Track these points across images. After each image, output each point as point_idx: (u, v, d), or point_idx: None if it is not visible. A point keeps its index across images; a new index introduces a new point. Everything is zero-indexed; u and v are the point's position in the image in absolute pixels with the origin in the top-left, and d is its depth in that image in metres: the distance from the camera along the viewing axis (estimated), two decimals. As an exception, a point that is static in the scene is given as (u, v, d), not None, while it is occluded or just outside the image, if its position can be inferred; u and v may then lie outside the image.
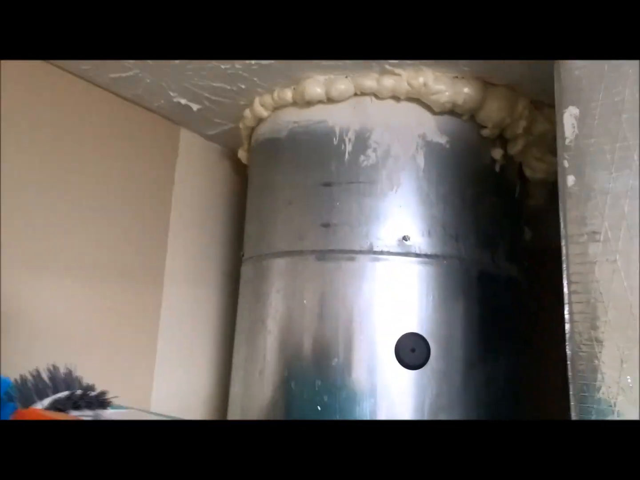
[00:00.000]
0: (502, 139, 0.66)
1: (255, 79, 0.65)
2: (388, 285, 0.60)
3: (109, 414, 0.29)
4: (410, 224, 0.61)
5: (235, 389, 0.68)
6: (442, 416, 0.57)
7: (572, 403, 0.41)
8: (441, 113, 0.62)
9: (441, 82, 0.60)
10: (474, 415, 0.58)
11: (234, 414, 0.67)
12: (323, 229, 0.62)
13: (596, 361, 0.39)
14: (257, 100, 0.69)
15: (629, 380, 0.38)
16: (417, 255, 0.60)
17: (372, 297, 0.60)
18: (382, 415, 0.56)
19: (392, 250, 0.60)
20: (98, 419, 0.29)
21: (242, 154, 0.81)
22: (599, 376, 0.39)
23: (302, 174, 0.65)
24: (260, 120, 0.71)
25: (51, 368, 0.32)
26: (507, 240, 0.66)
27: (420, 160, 0.62)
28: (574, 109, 0.42)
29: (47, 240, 0.65)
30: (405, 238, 0.60)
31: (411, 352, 0.57)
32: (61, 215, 0.67)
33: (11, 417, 0.25)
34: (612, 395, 0.38)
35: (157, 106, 0.75)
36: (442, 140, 0.63)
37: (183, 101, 0.73)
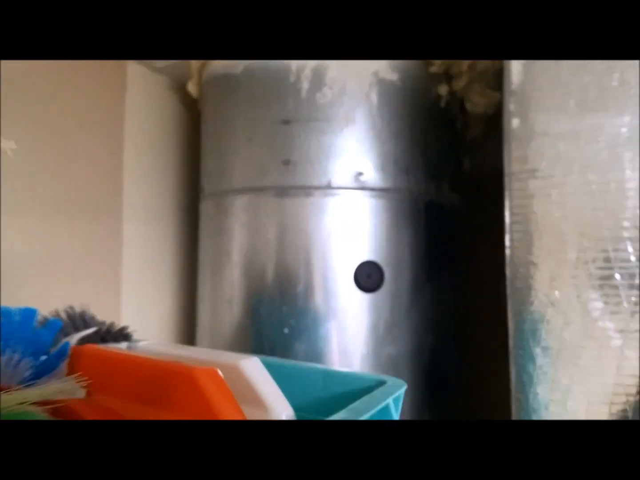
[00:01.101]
0: (447, 76, 0.70)
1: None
2: (344, 219, 0.64)
3: (141, 346, 0.32)
4: (365, 160, 0.65)
5: (203, 316, 0.72)
6: (395, 332, 0.64)
7: (510, 315, 0.48)
8: (393, 51, 0.65)
9: (393, 21, 0.62)
10: (422, 330, 0.66)
11: (202, 339, 0.72)
12: (284, 166, 0.65)
13: (531, 280, 0.46)
14: (210, 35, 0.69)
15: (557, 295, 0.45)
16: (372, 189, 0.65)
17: (330, 230, 0.64)
18: (343, 333, 0.63)
19: (348, 185, 0.64)
20: (132, 349, 0.32)
21: (192, 88, 0.81)
22: (533, 292, 0.46)
23: (260, 111, 0.67)
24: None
25: (68, 309, 0.34)
26: (450, 171, 0.72)
27: (374, 98, 0.65)
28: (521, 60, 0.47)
29: (6, 182, 0.64)
30: (359, 174, 0.64)
31: (367, 277, 0.63)
32: (20, 156, 0.66)
33: (69, 356, 0.28)
34: (543, 307, 0.46)
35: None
36: (394, 77, 0.66)
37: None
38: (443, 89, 0.69)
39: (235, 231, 0.67)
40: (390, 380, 0.30)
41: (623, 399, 0.41)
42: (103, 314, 0.74)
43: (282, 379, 0.28)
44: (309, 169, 0.64)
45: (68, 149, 0.71)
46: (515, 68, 0.46)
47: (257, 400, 0.26)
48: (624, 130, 0.42)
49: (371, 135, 0.65)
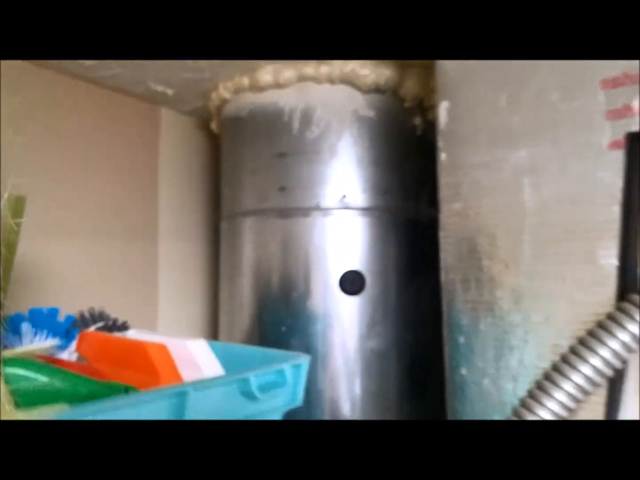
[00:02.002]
0: (421, 108, 0.81)
1: (217, 70, 0.79)
2: (333, 234, 0.77)
3: (130, 333, 0.46)
4: (349, 185, 0.77)
5: (223, 319, 0.86)
6: (377, 329, 0.75)
7: (443, 309, 0.58)
8: (369, 92, 0.77)
9: (366, 67, 0.74)
10: (402, 328, 0.77)
11: (222, 336, 0.86)
12: (280, 192, 0.78)
13: (454, 283, 0.57)
14: (220, 86, 0.83)
15: (468, 295, 0.55)
16: (354, 209, 0.77)
17: (322, 244, 0.77)
18: (331, 330, 0.75)
19: (334, 206, 0.77)
20: (125, 336, 0.46)
21: (214, 126, 0.96)
22: (455, 292, 0.57)
23: (261, 147, 0.80)
24: (224, 101, 0.86)
25: (90, 309, 0.48)
26: (428, 189, 0.82)
27: (354, 132, 0.77)
28: (446, 102, 0.58)
29: (60, 211, 0.81)
30: (344, 196, 0.76)
31: (351, 283, 0.75)
32: (72, 188, 0.82)
33: (78, 338, 0.41)
34: (461, 305, 0.56)
35: (139, 92, 0.89)
36: (371, 114, 0.77)
37: (160, 88, 0.87)
38: (417, 120, 0.80)
39: (244, 247, 0.81)
40: (301, 356, 0.42)
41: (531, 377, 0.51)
42: (143, 317, 0.90)
43: (225, 355, 0.41)
44: (300, 194, 0.77)
45: (112, 181, 0.88)
46: (442, 112, 0.57)
47: (195, 366, 0.38)
48: (523, 161, 0.52)
49: (353, 164, 0.77)
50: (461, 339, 0.55)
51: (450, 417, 0.56)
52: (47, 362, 0.33)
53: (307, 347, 0.75)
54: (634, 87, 0.48)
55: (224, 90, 0.83)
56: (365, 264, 0.76)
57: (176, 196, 0.98)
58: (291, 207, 0.77)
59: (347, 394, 0.74)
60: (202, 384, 0.32)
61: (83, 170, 0.84)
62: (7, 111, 0.74)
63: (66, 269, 0.81)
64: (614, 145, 0.49)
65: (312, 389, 0.74)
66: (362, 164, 0.77)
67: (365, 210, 0.77)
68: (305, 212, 0.77)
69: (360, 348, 0.75)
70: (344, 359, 0.75)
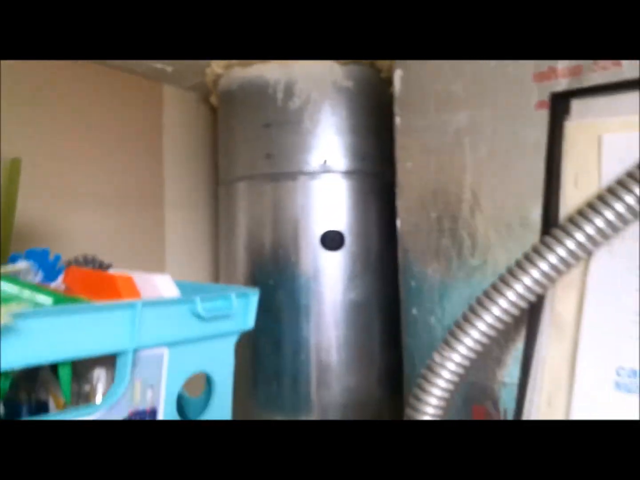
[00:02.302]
0: (399, 77, 0.86)
1: (209, 47, 0.86)
2: (318, 197, 0.84)
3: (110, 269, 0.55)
4: (330, 151, 0.83)
5: (222, 273, 0.95)
6: (356, 281, 0.83)
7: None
8: (347, 64, 0.83)
9: (342, 41, 0.80)
10: (380, 282, 0.84)
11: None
12: (267, 159, 0.85)
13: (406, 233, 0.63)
14: (213, 62, 0.90)
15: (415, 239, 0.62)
16: (336, 172, 0.83)
17: (308, 206, 0.84)
18: (314, 283, 0.82)
19: (317, 170, 0.84)
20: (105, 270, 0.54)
21: (213, 99, 1.03)
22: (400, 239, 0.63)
23: (250, 118, 0.87)
24: (218, 76, 0.93)
25: (84, 254, 0.57)
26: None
27: (334, 101, 0.83)
28: (400, 71, 0.63)
29: (73, 182, 0.90)
30: (325, 161, 0.83)
31: (331, 241, 0.82)
32: (85, 163, 0.91)
33: (64, 273, 0.50)
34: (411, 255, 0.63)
35: (141, 71, 0.97)
36: (349, 84, 0.84)
37: (159, 65, 0.94)
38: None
39: (238, 209, 0.89)
40: (250, 289, 0.49)
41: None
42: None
43: (189, 290, 0.49)
44: (285, 160, 0.84)
45: (122, 156, 0.96)
46: (397, 81, 0.64)
47: (157, 295, 0.46)
48: (463, 123, 0.58)
49: (333, 132, 0.83)
50: (413, 283, 0.62)
51: (404, 353, 0.64)
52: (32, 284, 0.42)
53: (293, 299, 0.83)
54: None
55: (216, 66, 0.90)
56: (347, 223, 0.83)
57: (179, 167, 1.06)
58: (278, 172, 0.85)
59: (330, 341, 0.82)
60: (151, 301, 0.41)
61: (95, 145, 0.93)
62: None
63: (80, 235, 0.91)
64: (540, 105, 0.54)
65: (297, 336, 0.82)
66: (341, 132, 0.83)
67: (346, 173, 0.84)
68: (291, 176, 0.84)
69: (342, 300, 0.82)
70: (326, 309, 0.82)
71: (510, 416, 0.53)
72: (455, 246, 0.59)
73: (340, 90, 0.83)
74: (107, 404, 0.39)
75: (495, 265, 0.57)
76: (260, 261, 0.86)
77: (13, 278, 0.40)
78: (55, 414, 0.41)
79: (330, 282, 0.83)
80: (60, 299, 0.40)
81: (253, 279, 0.87)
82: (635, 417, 0.44)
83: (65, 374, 0.41)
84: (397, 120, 0.64)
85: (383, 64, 0.83)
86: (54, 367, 0.43)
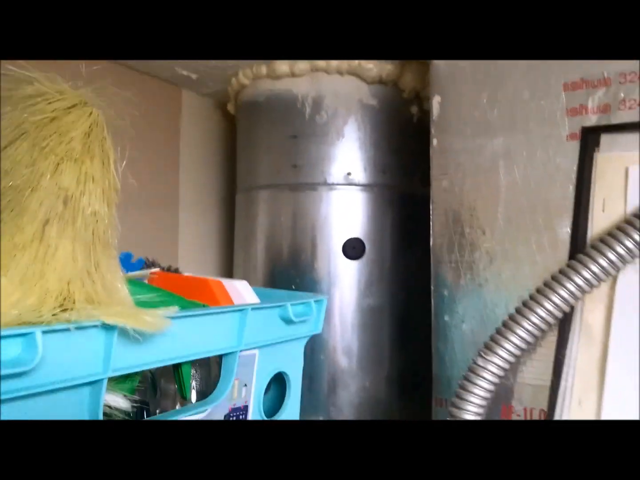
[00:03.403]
0: (417, 98, 0.92)
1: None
2: (338, 207, 0.88)
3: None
4: (352, 164, 0.88)
5: (238, 278, 0.98)
6: (373, 288, 0.88)
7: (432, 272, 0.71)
8: (372, 83, 0.88)
9: (370, 62, 0.85)
10: (396, 288, 0.89)
11: (237, 297, 0.98)
12: (292, 169, 0.89)
13: (442, 250, 0.69)
14: (240, 73, 0.94)
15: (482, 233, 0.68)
16: (357, 185, 0.88)
17: (328, 215, 0.88)
18: (334, 289, 0.87)
19: (340, 182, 0.88)
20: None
21: (230, 107, 1.06)
22: (443, 257, 0.69)
23: (276, 129, 0.91)
24: (243, 86, 0.96)
25: (145, 257, 0.60)
26: (421, 170, 0.94)
27: (359, 118, 0.88)
28: (438, 96, 0.69)
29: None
30: (348, 174, 0.88)
31: (353, 249, 0.87)
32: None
33: (148, 278, 0.53)
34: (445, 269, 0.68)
35: (164, 76, 0.99)
36: (374, 102, 0.89)
37: (185, 72, 0.97)
38: (414, 109, 0.91)
39: (259, 216, 0.93)
40: (322, 295, 0.54)
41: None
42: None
43: (261, 294, 0.52)
44: (310, 171, 0.88)
45: (139, 157, 0.98)
46: (435, 105, 0.69)
47: (242, 299, 0.50)
48: (499, 148, 0.64)
49: (357, 146, 0.88)
50: (445, 292, 0.68)
51: (434, 357, 0.69)
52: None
53: (314, 303, 0.87)
54: (588, 90, 0.60)
55: (243, 77, 0.94)
56: (364, 233, 0.88)
57: (195, 171, 1.09)
58: (301, 182, 0.89)
59: (346, 343, 0.87)
60: (257, 306, 0.44)
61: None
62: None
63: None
64: (571, 137, 0.61)
65: (317, 338, 0.86)
66: (364, 146, 0.88)
67: (366, 186, 0.89)
68: (314, 186, 0.89)
69: (358, 304, 0.87)
70: (344, 313, 0.87)
71: (535, 416, 0.59)
72: (487, 259, 0.65)
73: (365, 107, 0.88)
74: (215, 400, 0.42)
75: (524, 278, 0.63)
76: (281, 267, 0.90)
77: (140, 282, 0.43)
78: (175, 412, 0.43)
79: (349, 288, 0.87)
80: (185, 303, 0.43)
81: (273, 284, 0.90)
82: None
83: (186, 372, 0.44)
84: (434, 142, 0.69)
85: (405, 85, 0.88)
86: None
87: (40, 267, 0.33)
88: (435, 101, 0.69)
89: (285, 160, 0.90)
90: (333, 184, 0.88)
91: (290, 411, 0.51)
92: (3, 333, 0.28)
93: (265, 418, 0.50)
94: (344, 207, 0.88)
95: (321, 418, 0.85)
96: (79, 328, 0.32)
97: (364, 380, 0.87)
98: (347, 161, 0.88)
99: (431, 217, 0.70)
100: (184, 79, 0.99)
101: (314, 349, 0.86)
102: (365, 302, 0.87)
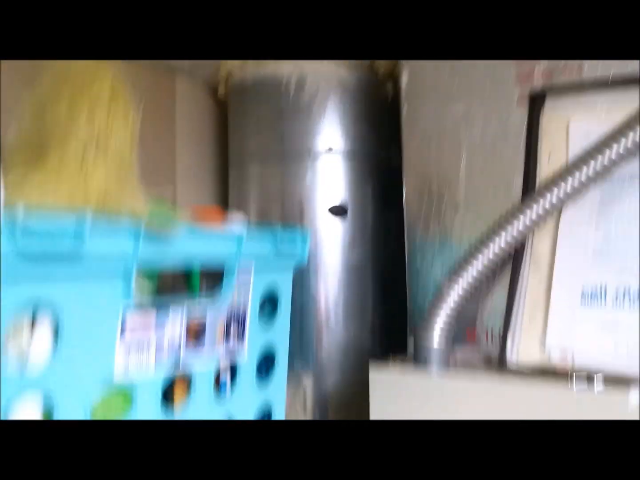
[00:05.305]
0: (392, 77, 1.02)
1: (228, 44, 0.99)
2: (322, 174, 0.98)
3: None
4: (334, 137, 0.98)
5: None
6: (355, 245, 0.97)
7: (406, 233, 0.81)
8: (350, 64, 0.98)
9: (348, 44, 0.95)
10: (375, 246, 0.99)
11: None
12: (280, 142, 0.99)
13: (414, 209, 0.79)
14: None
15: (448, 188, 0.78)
16: (338, 154, 0.98)
17: (314, 183, 0.98)
18: (319, 246, 0.96)
19: (322, 152, 0.98)
20: None
21: (221, 91, 1.15)
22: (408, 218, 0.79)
23: (263, 108, 1.00)
24: (232, 72, 1.05)
25: None
26: (396, 140, 1.04)
27: (338, 96, 0.98)
28: (407, 68, 0.79)
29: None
30: (330, 149, 0.98)
31: (337, 210, 0.97)
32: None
33: None
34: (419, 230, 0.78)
35: (157, 63, 1.08)
36: (352, 82, 0.99)
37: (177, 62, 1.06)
38: (389, 87, 1.02)
39: (250, 188, 1.02)
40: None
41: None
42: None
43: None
44: (296, 145, 0.98)
45: (140, 140, 1.07)
46: (404, 77, 0.79)
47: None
48: (459, 112, 0.74)
49: (337, 121, 0.98)
50: (417, 240, 0.78)
51: (408, 295, 0.79)
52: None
53: (303, 263, 0.96)
54: (533, 61, 0.70)
55: (232, 64, 1.03)
56: (347, 198, 0.98)
57: (190, 149, 1.18)
58: (288, 155, 0.98)
59: (332, 298, 0.97)
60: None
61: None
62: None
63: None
64: (521, 101, 0.71)
65: (305, 294, 0.96)
66: (344, 121, 0.98)
67: (347, 154, 0.98)
68: (299, 158, 0.98)
69: (343, 260, 0.97)
70: (330, 271, 0.97)
71: (496, 334, 0.69)
72: (454, 210, 0.75)
73: (344, 86, 0.98)
74: (222, 300, 0.53)
75: (484, 224, 0.73)
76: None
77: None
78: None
79: (334, 246, 0.97)
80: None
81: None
82: (594, 324, 0.61)
83: (195, 277, 0.55)
84: (404, 109, 0.80)
85: (381, 64, 0.98)
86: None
87: (83, 181, 0.44)
88: (405, 74, 0.80)
89: (272, 136, 0.99)
90: (317, 154, 0.98)
91: (281, 328, 0.63)
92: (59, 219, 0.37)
93: (259, 324, 0.61)
94: (327, 174, 0.98)
95: (311, 358, 0.95)
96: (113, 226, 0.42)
97: (349, 329, 0.97)
98: (329, 135, 0.98)
99: (403, 177, 0.80)
100: (177, 64, 1.08)
101: (304, 302, 0.96)
102: (349, 257, 0.97)
